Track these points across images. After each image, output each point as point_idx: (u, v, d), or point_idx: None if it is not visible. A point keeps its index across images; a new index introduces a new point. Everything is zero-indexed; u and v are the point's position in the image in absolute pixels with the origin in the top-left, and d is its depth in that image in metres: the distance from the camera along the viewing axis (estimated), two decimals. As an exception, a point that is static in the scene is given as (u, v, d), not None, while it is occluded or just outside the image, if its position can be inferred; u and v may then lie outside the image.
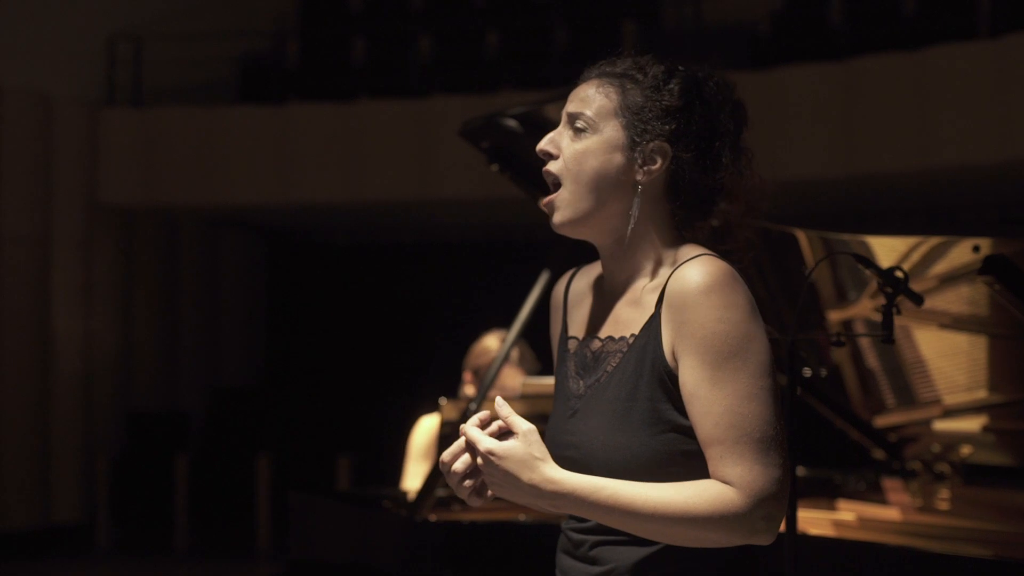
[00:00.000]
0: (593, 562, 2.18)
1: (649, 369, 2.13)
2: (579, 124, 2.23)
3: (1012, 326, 3.94)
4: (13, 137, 11.82)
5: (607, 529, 2.16)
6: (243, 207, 13.13)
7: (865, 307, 4.16)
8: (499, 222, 14.23)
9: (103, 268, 12.74)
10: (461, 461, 2.13)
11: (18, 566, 11.26)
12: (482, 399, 3.74)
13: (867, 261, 2.76)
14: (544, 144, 2.26)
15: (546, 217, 2.26)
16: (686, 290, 2.10)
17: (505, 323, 4.82)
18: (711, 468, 2.08)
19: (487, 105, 12.21)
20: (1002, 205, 12.14)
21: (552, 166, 2.25)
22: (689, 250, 2.19)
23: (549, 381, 4.40)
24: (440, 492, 3.78)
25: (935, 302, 3.95)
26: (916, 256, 3.82)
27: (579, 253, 3.92)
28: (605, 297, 2.28)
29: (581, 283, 2.36)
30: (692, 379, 2.09)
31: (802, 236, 4.25)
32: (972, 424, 4.36)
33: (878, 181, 11.12)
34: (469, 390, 4.68)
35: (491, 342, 4.77)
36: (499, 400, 2.12)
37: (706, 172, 2.21)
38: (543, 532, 3.55)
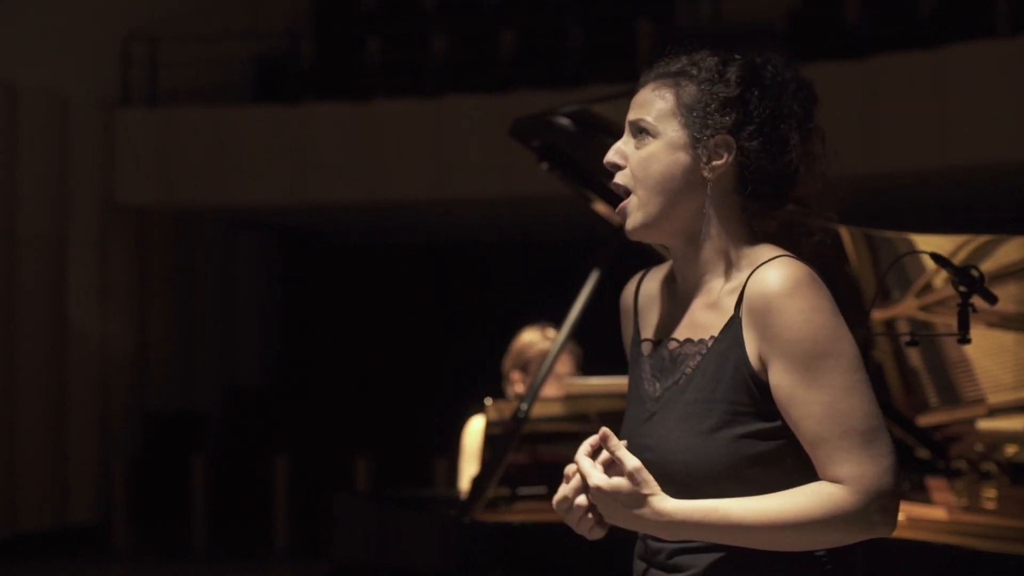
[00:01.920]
0: (673, 569, 2.16)
1: (731, 372, 2.11)
2: (640, 130, 2.19)
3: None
4: (29, 138, 11.81)
5: (681, 545, 2.14)
6: (259, 207, 13.13)
7: (909, 306, 4.13)
8: (516, 222, 14.21)
9: (119, 269, 12.73)
10: (584, 496, 2.12)
11: (35, 567, 11.24)
12: (533, 398, 3.72)
13: (945, 260, 2.74)
14: (611, 156, 2.22)
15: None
16: (768, 293, 2.07)
17: (526, 322, 4.78)
18: (820, 470, 2.06)
19: (503, 104, 12.21)
20: (1020, 203, 12.12)
21: (620, 177, 2.21)
22: (765, 250, 2.16)
23: (593, 382, 4.37)
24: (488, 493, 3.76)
25: (982, 300, 3.93)
26: (963, 255, 3.79)
27: (627, 252, 3.91)
28: (679, 298, 2.25)
29: (651, 285, 2.32)
30: (787, 382, 2.07)
31: (844, 232, 4.21)
32: (1017, 423, 4.33)
33: (897, 179, 11.10)
34: (519, 388, 4.62)
35: (531, 336, 4.71)
36: (605, 430, 2.10)
37: (775, 159, 2.16)
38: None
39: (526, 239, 14.50)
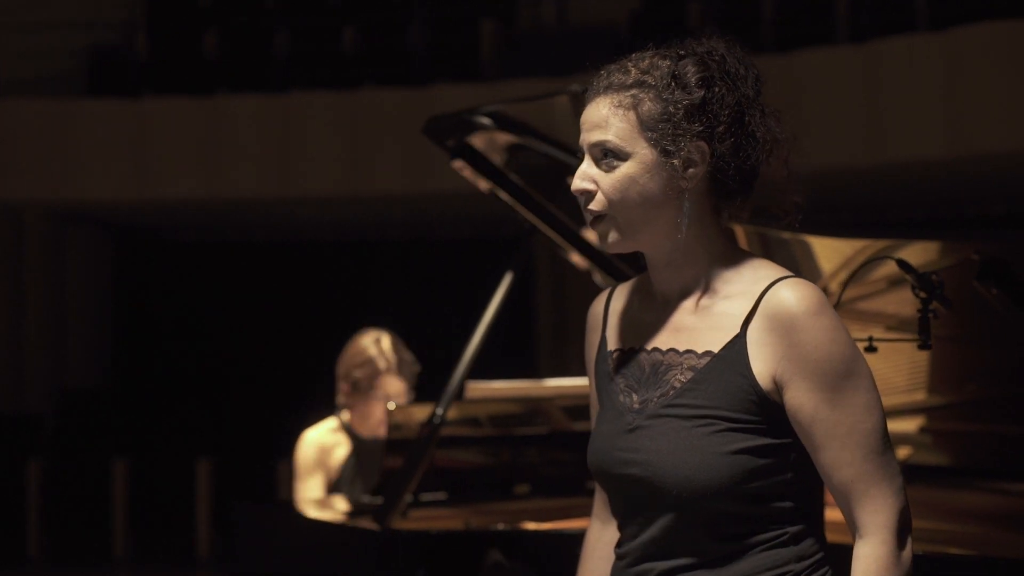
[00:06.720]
0: None
1: (735, 388, 2.07)
2: (606, 153, 2.10)
3: (955, 327, 3.97)
4: None
5: (673, 564, 2.11)
6: (94, 203, 12.80)
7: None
8: (360, 221, 14.10)
9: (-53, 266, 12.32)
10: None
11: None
12: (449, 403, 3.65)
13: (908, 266, 2.76)
14: (580, 184, 2.12)
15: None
16: (794, 313, 2.05)
17: (367, 323, 4.63)
18: (840, 500, 2.07)
19: (349, 101, 12.10)
20: (857, 208, 12.42)
21: (594, 204, 2.12)
22: (764, 266, 2.13)
23: (494, 385, 4.33)
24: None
25: (879, 304, 3.96)
26: (861, 259, 3.82)
27: (537, 256, 3.88)
28: (657, 307, 2.19)
29: (622, 297, 2.27)
30: (812, 403, 2.05)
31: (739, 231, 4.22)
32: (910, 425, 4.39)
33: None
34: (341, 399, 4.46)
35: (362, 344, 4.51)
36: None
37: (747, 154, 2.11)
38: (518, 540, 3.49)
39: (371, 239, 14.39)
